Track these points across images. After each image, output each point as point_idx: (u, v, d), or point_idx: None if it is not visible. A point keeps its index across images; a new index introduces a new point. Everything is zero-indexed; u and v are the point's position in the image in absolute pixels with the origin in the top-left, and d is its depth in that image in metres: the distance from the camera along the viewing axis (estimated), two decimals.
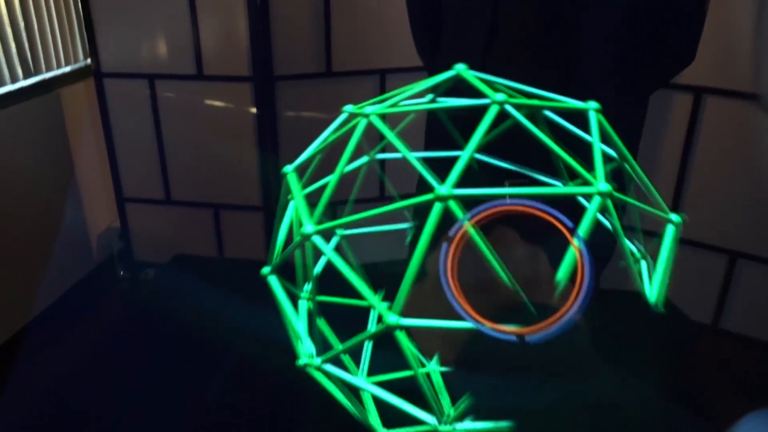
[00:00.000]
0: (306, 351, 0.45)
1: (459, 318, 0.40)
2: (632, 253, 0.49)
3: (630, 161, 0.50)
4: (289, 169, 0.49)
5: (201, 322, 0.90)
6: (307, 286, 0.50)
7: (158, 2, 2.11)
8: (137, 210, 2.47)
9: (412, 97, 0.52)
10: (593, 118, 0.48)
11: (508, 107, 0.44)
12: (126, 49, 2.20)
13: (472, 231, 0.40)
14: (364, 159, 0.60)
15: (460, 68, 0.50)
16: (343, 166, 0.47)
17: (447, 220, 0.40)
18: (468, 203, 0.40)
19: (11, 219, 2.07)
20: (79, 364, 1.24)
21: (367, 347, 0.55)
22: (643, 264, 0.49)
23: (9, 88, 2.02)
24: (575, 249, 0.38)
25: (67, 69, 2.31)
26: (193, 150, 2.30)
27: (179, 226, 2.46)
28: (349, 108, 0.52)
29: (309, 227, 0.42)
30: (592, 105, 0.49)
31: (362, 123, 0.48)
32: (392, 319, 0.38)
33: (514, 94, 0.50)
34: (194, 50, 2.14)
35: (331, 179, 0.48)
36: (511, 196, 0.39)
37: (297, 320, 0.47)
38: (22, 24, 2.03)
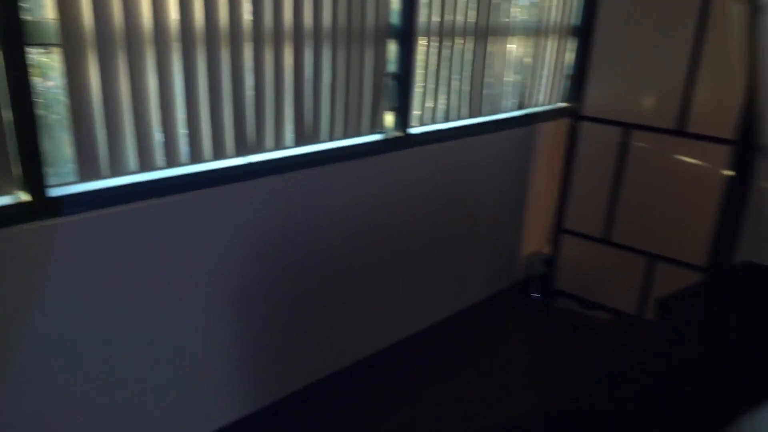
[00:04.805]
0: None
1: None
2: None
3: None
4: None
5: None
6: None
7: (657, 56, 2.30)
8: (570, 242, 2.70)
9: None
10: None
11: None
12: (611, 97, 2.45)
13: None
14: None
15: None
16: None
17: None
18: None
19: (473, 220, 2.45)
20: None
21: None
22: None
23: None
24: None
25: (547, 108, 2.66)
26: (648, 199, 2.42)
27: (606, 266, 2.59)
28: None
29: None
30: None
31: None
32: None
33: None
34: (680, 106, 2.27)
35: None
36: None
37: None
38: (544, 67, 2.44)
